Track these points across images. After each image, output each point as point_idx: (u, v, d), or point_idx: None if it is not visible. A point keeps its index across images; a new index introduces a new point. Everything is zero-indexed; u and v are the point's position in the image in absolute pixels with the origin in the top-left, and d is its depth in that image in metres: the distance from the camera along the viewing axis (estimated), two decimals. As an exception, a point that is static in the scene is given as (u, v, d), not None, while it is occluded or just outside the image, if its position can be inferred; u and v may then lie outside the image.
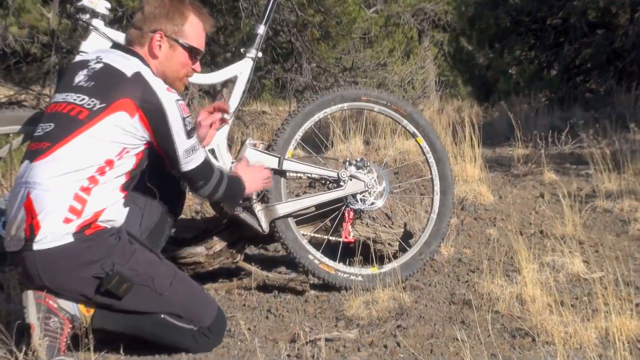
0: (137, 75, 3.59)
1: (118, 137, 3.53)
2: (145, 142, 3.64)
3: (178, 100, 3.63)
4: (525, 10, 13.26)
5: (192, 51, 3.88)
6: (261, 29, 4.81)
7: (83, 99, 3.57)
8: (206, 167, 3.88)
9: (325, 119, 5.03)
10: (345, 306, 4.54)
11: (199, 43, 3.92)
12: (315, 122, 4.91)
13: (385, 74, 12.43)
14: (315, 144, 6.61)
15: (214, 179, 3.92)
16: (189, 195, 4.97)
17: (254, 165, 4.46)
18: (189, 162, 3.75)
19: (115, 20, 7.62)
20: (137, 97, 3.54)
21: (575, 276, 4.99)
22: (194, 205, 6.36)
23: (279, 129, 4.90)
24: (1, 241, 4.19)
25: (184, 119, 3.63)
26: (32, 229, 3.44)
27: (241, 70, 4.75)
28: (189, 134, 3.68)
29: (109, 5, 4.44)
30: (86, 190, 3.48)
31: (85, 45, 4.36)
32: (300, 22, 10.08)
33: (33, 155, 3.57)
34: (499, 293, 4.52)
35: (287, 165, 4.78)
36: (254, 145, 4.74)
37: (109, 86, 3.58)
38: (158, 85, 3.60)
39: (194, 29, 3.87)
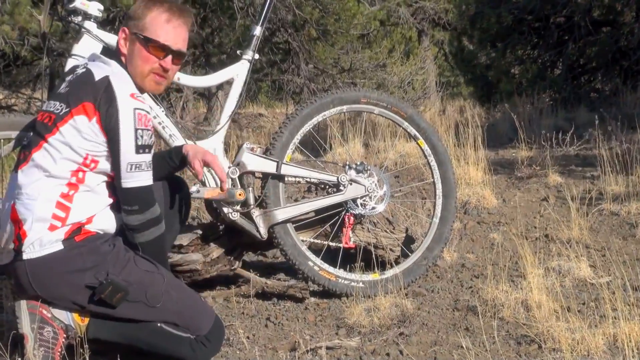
0: (103, 79, 3.50)
1: (78, 141, 3.45)
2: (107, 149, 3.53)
3: (138, 109, 3.47)
4: (528, 8, 13.19)
5: (148, 43, 3.67)
6: (257, 30, 4.77)
7: (55, 105, 3.55)
8: (147, 195, 3.57)
9: (323, 121, 4.97)
10: (346, 313, 4.51)
11: (161, 36, 3.69)
12: (313, 125, 4.86)
13: (384, 74, 12.45)
14: (314, 147, 6.55)
15: (149, 214, 3.56)
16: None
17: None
18: (130, 179, 3.51)
19: (108, 22, 7.57)
20: (97, 99, 3.44)
21: (581, 281, 4.96)
22: (190, 211, 6.31)
23: (276, 132, 4.85)
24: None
25: (136, 129, 3.46)
26: (19, 239, 3.43)
27: (237, 72, 4.71)
28: (139, 149, 3.48)
29: (101, 7, 4.41)
30: (67, 197, 3.44)
31: (77, 48, 4.35)
32: (298, 21, 10.04)
33: (17, 165, 3.58)
34: (504, 299, 4.50)
35: (285, 169, 4.72)
36: (251, 149, 4.69)
37: (77, 90, 3.52)
38: (121, 89, 3.48)
39: (155, 21, 3.67)
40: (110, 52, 3.77)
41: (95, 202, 3.50)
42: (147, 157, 3.51)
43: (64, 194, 3.43)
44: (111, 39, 4.39)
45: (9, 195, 3.54)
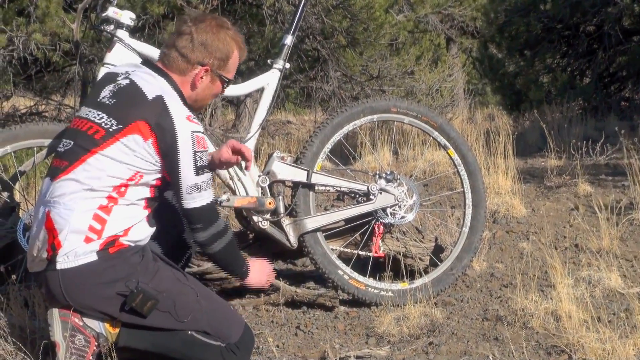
0: (158, 99, 3.51)
1: (131, 159, 3.47)
2: (159, 167, 3.55)
3: (195, 132, 3.52)
4: (558, 17, 13.09)
5: (227, 83, 3.82)
6: (289, 40, 4.78)
7: (102, 118, 3.54)
8: (210, 212, 3.67)
9: (353, 129, 4.97)
10: (375, 322, 4.53)
11: (233, 74, 3.87)
12: (344, 134, 4.86)
13: (412, 82, 12.39)
14: (344, 155, 6.55)
15: (214, 228, 3.67)
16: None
17: (262, 260, 4.12)
18: (191, 200, 3.58)
19: (137, 29, 7.61)
20: (153, 120, 3.46)
21: (612, 291, 4.92)
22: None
23: (307, 141, 4.86)
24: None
25: (195, 152, 3.50)
26: (53, 248, 3.43)
27: (268, 81, 4.73)
28: (198, 170, 3.53)
29: (133, 16, 4.44)
30: (105, 209, 3.44)
31: (109, 57, 4.38)
32: (327, 29, 10.04)
33: (54, 173, 3.56)
34: (533, 309, 4.49)
35: (315, 178, 4.73)
36: (282, 158, 4.71)
37: (128, 106, 3.52)
38: (178, 112, 3.51)
39: (234, 63, 3.81)
40: (151, 66, 3.73)
41: (132, 215, 3.51)
42: (206, 176, 3.57)
43: (103, 206, 3.43)
44: (143, 47, 4.43)
45: (43, 201, 3.53)
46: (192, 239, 3.75)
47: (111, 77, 3.71)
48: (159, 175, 3.56)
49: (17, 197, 4.72)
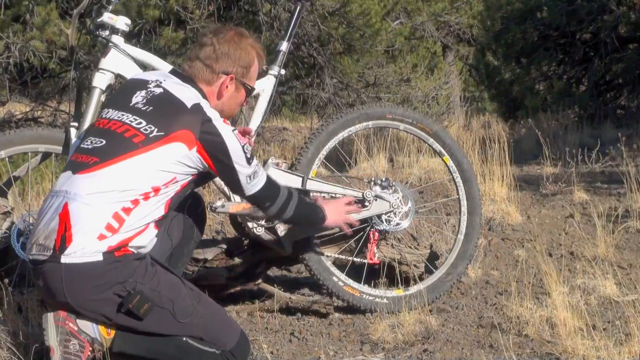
0: (197, 107, 3.61)
1: (170, 166, 3.53)
2: (195, 172, 3.65)
3: (234, 130, 3.67)
4: (554, 24, 13.12)
5: (250, 91, 3.95)
6: (284, 46, 4.80)
7: (140, 123, 3.57)
8: (270, 188, 3.87)
9: (348, 136, 4.96)
10: (370, 329, 4.51)
11: (255, 82, 4.01)
12: (339, 140, 4.86)
13: (408, 89, 12.39)
14: (339, 161, 6.54)
15: (280, 199, 3.91)
16: (210, 215, 4.92)
17: (338, 200, 4.39)
18: (252, 187, 3.77)
19: (133, 35, 7.61)
20: (197, 129, 3.56)
21: (607, 299, 4.93)
22: (214, 225, 6.33)
23: (302, 147, 4.86)
24: (20, 263, 4.18)
25: (242, 147, 3.67)
26: (63, 241, 3.40)
27: (263, 87, 4.73)
28: (249, 160, 3.70)
29: (129, 22, 4.45)
30: (127, 210, 3.45)
31: (104, 62, 4.39)
32: (323, 36, 10.04)
33: (77, 167, 3.56)
34: (528, 316, 4.48)
35: (310, 185, 4.72)
36: (277, 164, 4.70)
37: (169, 115, 3.59)
38: (216, 117, 3.64)
39: (255, 71, 3.95)
40: (178, 76, 3.82)
41: (147, 219, 3.52)
42: (256, 160, 3.79)
43: (125, 208, 3.45)
44: (138, 53, 4.44)
45: (60, 191, 3.51)
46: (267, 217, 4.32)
47: (140, 83, 3.77)
48: (189, 178, 3.64)
49: (12, 202, 4.71)
